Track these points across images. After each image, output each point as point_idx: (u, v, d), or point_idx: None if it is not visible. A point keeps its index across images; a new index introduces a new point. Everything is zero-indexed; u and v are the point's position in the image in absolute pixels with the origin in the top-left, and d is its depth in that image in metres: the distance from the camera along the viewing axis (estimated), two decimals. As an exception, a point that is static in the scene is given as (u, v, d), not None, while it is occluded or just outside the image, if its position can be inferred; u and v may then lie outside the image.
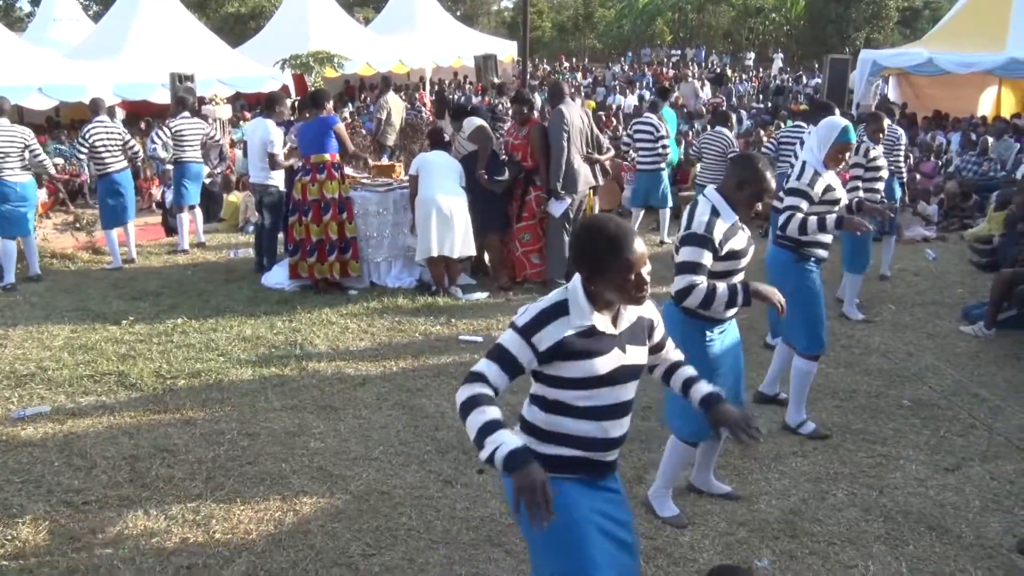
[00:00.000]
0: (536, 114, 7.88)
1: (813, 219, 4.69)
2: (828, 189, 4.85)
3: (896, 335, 6.80)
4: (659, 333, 2.80)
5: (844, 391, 5.63)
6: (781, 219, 4.82)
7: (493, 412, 2.38)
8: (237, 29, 36.35)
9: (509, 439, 2.32)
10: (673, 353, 2.92)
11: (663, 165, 9.90)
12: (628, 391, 2.62)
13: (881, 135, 6.96)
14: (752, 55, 41.69)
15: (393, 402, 5.47)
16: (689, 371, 2.91)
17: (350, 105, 22.00)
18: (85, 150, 9.01)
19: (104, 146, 8.99)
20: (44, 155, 8.80)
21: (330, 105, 8.21)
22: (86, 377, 5.95)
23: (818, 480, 4.45)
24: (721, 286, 3.68)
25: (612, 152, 8.43)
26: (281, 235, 8.65)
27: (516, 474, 2.26)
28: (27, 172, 8.41)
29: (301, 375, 5.94)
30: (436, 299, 7.58)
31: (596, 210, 8.66)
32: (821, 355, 5.03)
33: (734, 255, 3.74)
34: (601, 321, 2.53)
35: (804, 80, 29.10)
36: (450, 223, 7.47)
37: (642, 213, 10.36)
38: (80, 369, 6.09)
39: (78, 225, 10.83)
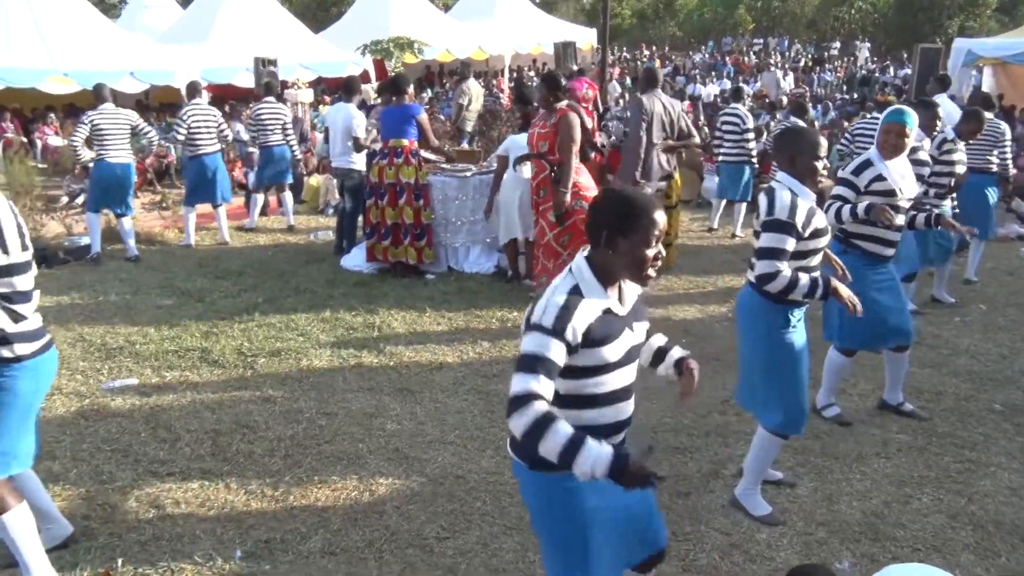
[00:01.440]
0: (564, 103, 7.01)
1: (846, 208, 4.55)
2: (877, 179, 4.59)
3: (987, 336, 6.56)
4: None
5: (930, 392, 5.45)
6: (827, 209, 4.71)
7: (564, 427, 2.25)
8: (319, 15, 36.86)
9: (597, 450, 2.23)
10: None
11: (747, 157, 9.72)
12: (635, 371, 2.57)
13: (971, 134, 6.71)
14: (837, 44, 40.57)
15: (469, 387, 5.49)
16: (659, 340, 2.84)
17: (429, 91, 22.13)
18: (183, 131, 9.24)
19: (200, 128, 9.21)
20: (152, 131, 9.10)
21: (411, 91, 8.24)
22: (171, 352, 6.12)
23: (902, 483, 4.32)
24: (804, 278, 3.60)
25: (695, 139, 8.27)
26: (360, 218, 8.76)
27: (626, 478, 2.22)
28: (129, 154, 8.70)
29: (379, 357, 6.01)
30: (513, 285, 7.57)
31: (678, 199, 8.50)
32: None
33: (817, 234, 3.66)
34: (613, 301, 2.47)
35: (892, 71, 28.22)
36: (522, 205, 7.43)
37: (722, 204, 10.20)
38: (165, 344, 6.27)
39: (165, 205, 11.14)
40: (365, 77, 18.97)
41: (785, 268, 3.58)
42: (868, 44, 38.81)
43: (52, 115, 17.01)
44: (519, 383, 2.29)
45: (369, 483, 4.29)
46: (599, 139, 9.94)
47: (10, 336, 3.15)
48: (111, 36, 16.26)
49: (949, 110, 12.34)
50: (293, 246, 9.65)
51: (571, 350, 2.34)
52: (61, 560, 3.56)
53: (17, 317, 3.12)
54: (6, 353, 3.16)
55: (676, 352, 2.81)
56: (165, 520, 3.97)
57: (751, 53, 37.20)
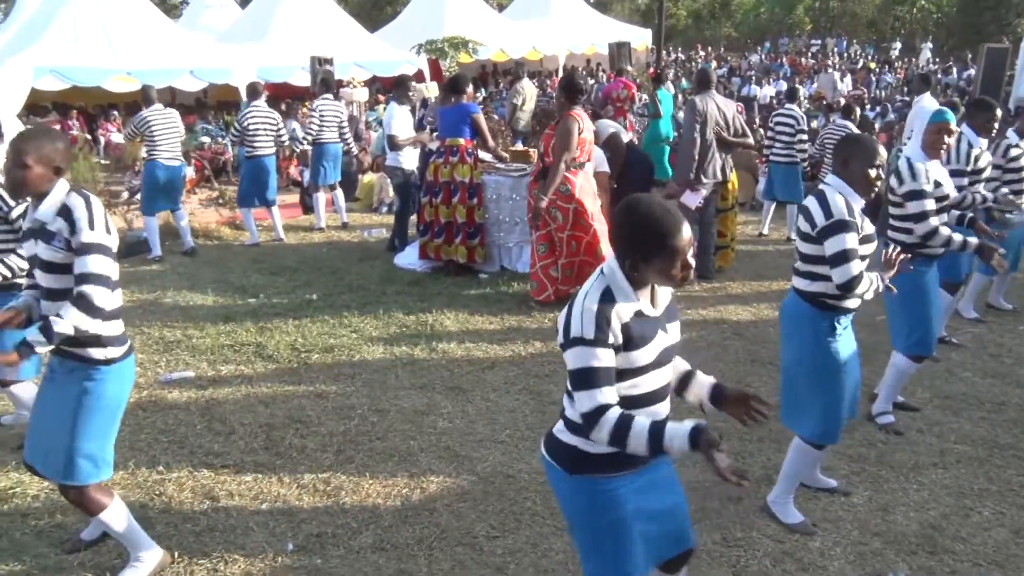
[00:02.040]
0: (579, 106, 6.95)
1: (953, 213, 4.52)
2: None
3: (1054, 345, 6.37)
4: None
5: (992, 403, 5.30)
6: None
7: (641, 422, 2.32)
8: (374, 14, 37.25)
9: (677, 428, 2.29)
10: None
11: (800, 159, 9.56)
12: (670, 372, 2.58)
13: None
14: (898, 45, 39.70)
15: (521, 387, 5.48)
16: (683, 364, 2.80)
17: (483, 91, 22.19)
18: (238, 132, 9.38)
19: (257, 130, 9.34)
20: (185, 136, 9.28)
21: (470, 90, 8.26)
22: (226, 346, 6.21)
23: (961, 495, 4.20)
24: (872, 276, 3.59)
25: (749, 139, 8.15)
26: (414, 216, 8.80)
27: (702, 445, 2.25)
28: (179, 155, 8.89)
29: (431, 355, 6.03)
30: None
31: (735, 201, 8.39)
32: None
33: (867, 240, 3.58)
34: (645, 303, 2.46)
35: (955, 72, 27.54)
36: None
37: (773, 206, 10.05)
38: (221, 339, 6.37)
39: (221, 201, 11.32)
40: (419, 76, 19.09)
41: (856, 269, 3.52)
42: (930, 44, 37.91)
43: (115, 113, 17.41)
44: (584, 401, 2.35)
45: (420, 480, 4.30)
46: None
47: (103, 338, 3.19)
48: (172, 36, 16.61)
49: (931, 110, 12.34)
50: (347, 244, 9.74)
51: (616, 350, 2.37)
52: (120, 547, 3.62)
53: (90, 306, 3.08)
54: (97, 355, 3.21)
55: (704, 379, 2.76)
56: (219, 511, 4.03)
57: (808, 54, 36.59)
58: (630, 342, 2.38)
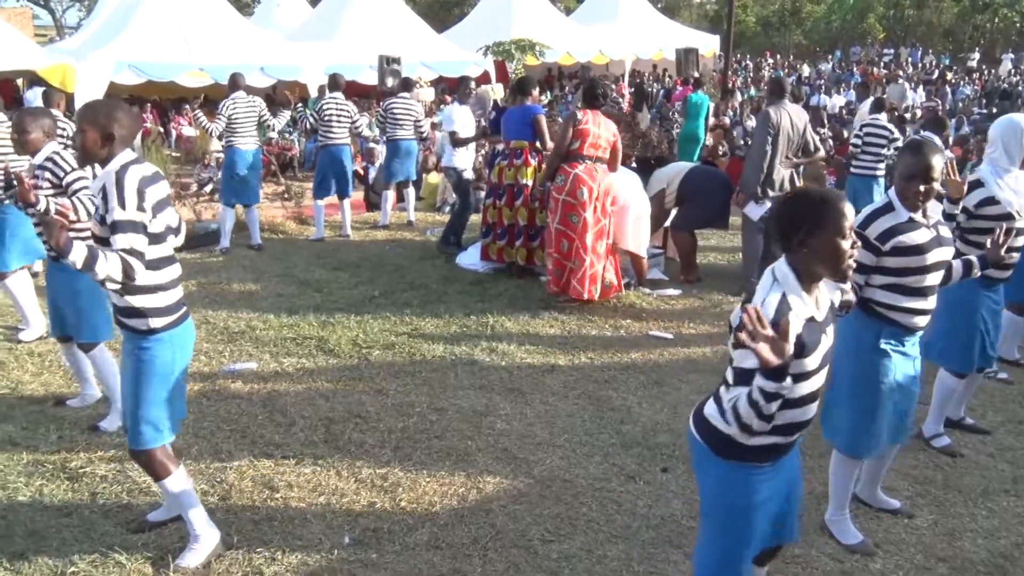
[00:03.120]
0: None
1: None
2: (988, 202, 4.45)
3: None
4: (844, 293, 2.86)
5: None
6: None
7: (740, 398, 2.45)
8: (441, 15, 37.51)
9: (756, 379, 2.38)
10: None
11: (881, 171, 9.31)
12: (825, 373, 2.64)
13: None
14: (976, 55, 38.63)
15: (580, 391, 5.45)
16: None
17: (548, 94, 22.18)
18: (313, 120, 9.48)
19: (332, 119, 9.45)
20: (275, 121, 9.41)
21: (535, 93, 8.26)
22: (289, 339, 6.29)
23: (1036, 525, 4.06)
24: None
25: (820, 153, 7.99)
26: (477, 217, 8.82)
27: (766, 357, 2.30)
28: (257, 141, 9.04)
29: (491, 356, 6.03)
30: (627, 292, 7.48)
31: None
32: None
33: (905, 251, 3.48)
34: (813, 307, 2.52)
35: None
36: (623, 216, 7.34)
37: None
38: (284, 331, 6.45)
39: (287, 196, 11.49)
40: (485, 78, 19.17)
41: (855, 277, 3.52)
42: (1011, 55, 36.79)
43: (187, 106, 17.79)
44: (733, 394, 2.48)
45: (477, 481, 4.30)
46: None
47: (145, 310, 3.31)
48: (244, 33, 16.93)
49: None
50: (410, 242, 9.80)
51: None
52: (181, 531, 3.69)
53: (131, 275, 3.17)
54: (140, 326, 3.33)
55: None
56: (278, 502, 4.07)
57: (881, 64, 35.84)
58: (802, 349, 2.47)
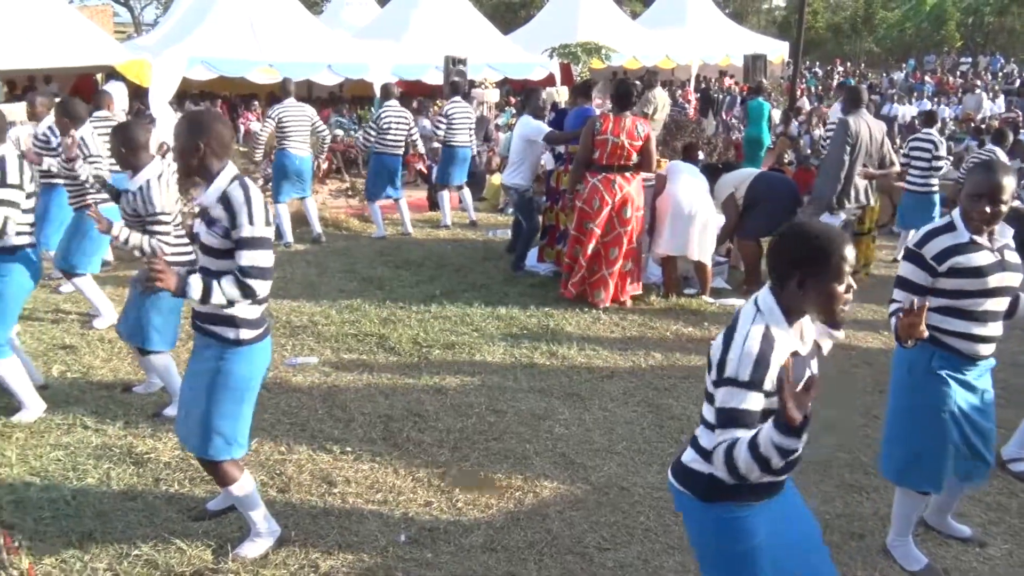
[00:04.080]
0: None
1: None
2: None
3: None
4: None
5: None
6: None
7: (741, 443, 2.29)
8: (507, 16, 37.60)
9: (764, 432, 2.22)
10: None
11: (935, 186, 9.06)
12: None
13: None
14: (1064, 64, 37.29)
15: (640, 399, 5.40)
16: None
17: (612, 97, 22.07)
18: (374, 132, 9.58)
19: (390, 128, 9.53)
20: (326, 129, 9.52)
21: (595, 95, 8.19)
22: (350, 335, 6.34)
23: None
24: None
25: (896, 168, 7.78)
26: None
27: (792, 411, 2.17)
28: (308, 147, 9.16)
29: (550, 360, 6.01)
30: (689, 300, 7.40)
31: (872, 225, 8.04)
32: None
33: (962, 273, 3.35)
34: (797, 341, 2.41)
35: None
36: (690, 223, 7.25)
37: (909, 234, 9.58)
38: (345, 327, 6.51)
39: (351, 193, 11.61)
40: (550, 80, 19.15)
41: (903, 299, 3.42)
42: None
43: (256, 102, 18.11)
44: (721, 439, 2.34)
45: (534, 484, 4.28)
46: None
47: (238, 320, 3.29)
48: (313, 31, 17.16)
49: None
50: (472, 242, 9.84)
51: (768, 395, 2.34)
52: (240, 520, 3.74)
53: (251, 294, 3.19)
54: (230, 335, 3.31)
55: None
56: (335, 497, 4.10)
57: (958, 72, 34.89)
58: (782, 387, 2.31)
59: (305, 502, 4.05)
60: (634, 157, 6.90)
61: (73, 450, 4.45)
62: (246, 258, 3.16)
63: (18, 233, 4.58)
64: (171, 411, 4.89)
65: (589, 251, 6.97)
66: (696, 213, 7.25)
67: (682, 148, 8.70)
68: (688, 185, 7.36)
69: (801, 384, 2.18)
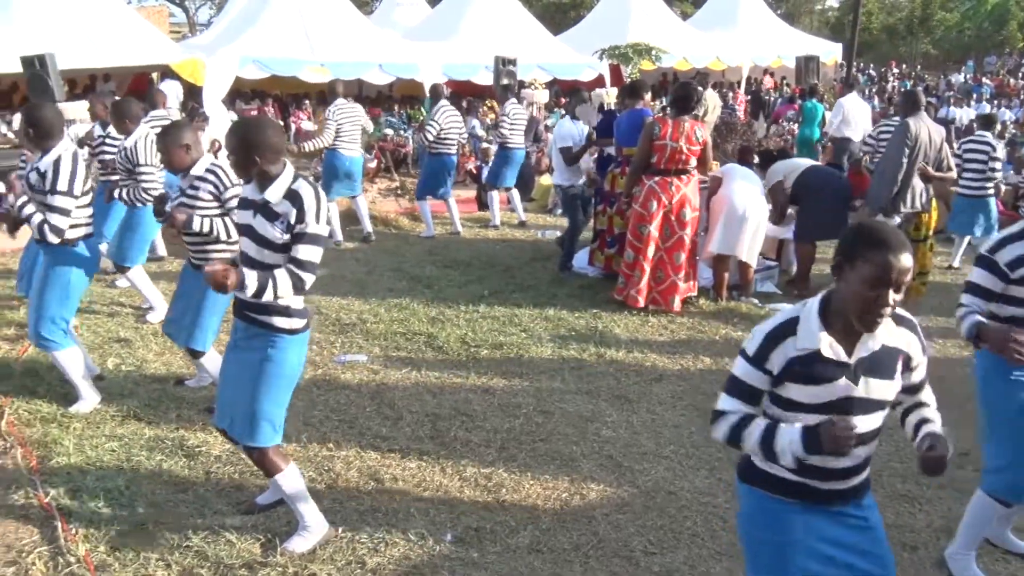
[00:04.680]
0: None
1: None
2: None
3: None
4: (918, 374, 2.53)
5: None
6: None
7: (757, 425, 2.41)
8: (557, 17, 37.51)
9: (788, 434, 2.33)
10: (924, 395, 2.65)
11: (991, 190, 8.84)
12: (858, 423, 2.35)
13: None
14: None
15: (688, 402, 5.35)
16: (927, 412, 2.62)
17: (662, 99, 21.93)
18: (434, 130, 9.60)
19: (447, 128, 9.56)
20: (371, 125, 9.60)
21: (648, 97, 8.14)
22: (399, 334, 6.38)
23: None
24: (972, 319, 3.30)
25: (952, 174, 7.60)
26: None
27: (826, 446, 2.26)
28: (359, 147, 9.22)
29: (598, 362, 5.98)
30: (739, 304, 7.32)
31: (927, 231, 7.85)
32: None
33: None
34: (828, 345, 2.32)
35: None
36: (743, 225, 7.17)
37: (966, 240, 9.36)
38: (394, 326, 6.55)
39: (400, 192, 11.68)
40: (600, 81, 19.08)
41: (971, 305, 3.35)
42: None
43: (307, 101, 18.31)
44: (720, 402, 2.51)
45: (580, 487, 4.26)
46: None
47: (291, 310, 3.41)
48: (364, 31, 17.30)
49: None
50: (520, 242, 9.84)
51: (775, 380, 2.40)
52: (289, 514, 3.77)
53: (301, 287, 3.35)
54: (283, 324, 3.41)
55: (930, 428, 2.58)
56: (383, 494, 4.12)
57: (1019, 74, 34.03)
58: (791, 374, 2.36)
59: (352, 498, 4.07)
60: (692, 162, 6.83)
61: (127, 441, 4.54)
62: (304, 252, 3.31)
63: (75, 226, 4.72)
64: (221, 405, 4.96)
65: (650, 257, 6.88)
66: (749, 215, 7.17)
67: (738, 152, 8.62)
68: (743, 187, 7.29)
69: (842, 427, 2.22)
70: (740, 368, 2.45)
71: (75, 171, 4.61)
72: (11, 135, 12.67)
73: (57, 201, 4.55)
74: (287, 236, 3.31)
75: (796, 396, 2.38)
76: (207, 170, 4.66)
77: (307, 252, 3.32)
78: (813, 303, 2.40)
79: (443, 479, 4.29)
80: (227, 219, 4.63)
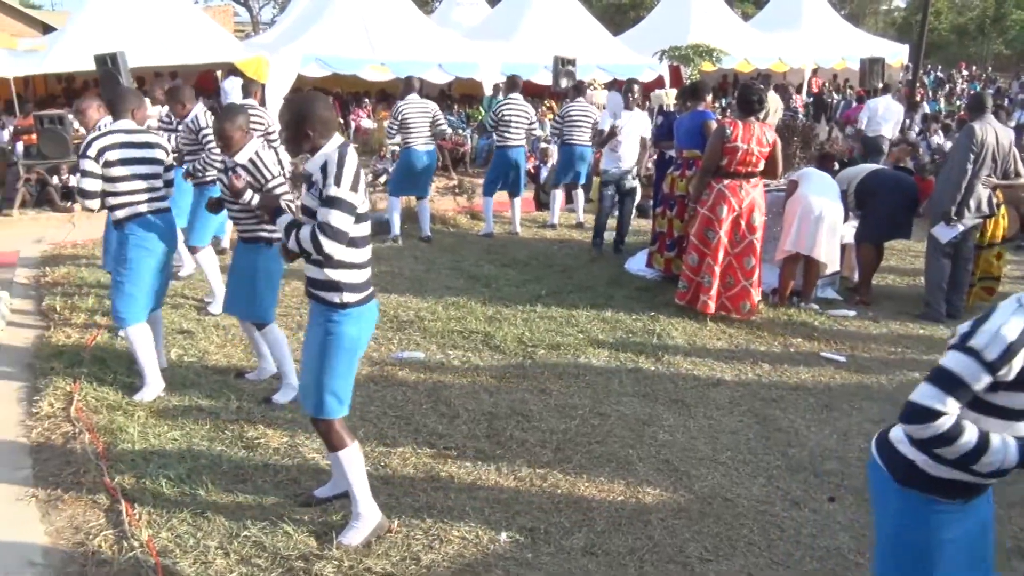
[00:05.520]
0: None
1: None
2: None
3: None
4: None
5: None
6: None
7: (969, 435, 2.30)
8: (617, 18, 37.38)
9: (1005, 450, 2.30)
10: None
11: None
12: None
13: None
14: None
15: (746, 408, 5.28)
16: None
17: (722, 100, 21.71)
18: (493, 122, 9.65)
19: (511, 121, 9.58)
20: (445, 124, 9.64)
21: (709, 99, 8.05)
22: (456, 332, 6.40)
23: None
24: None
25: (1022, 180, 7.38)
26: (643, 222, 8.69)
27: None
28: (431, 142, 9.26)
29: (655, 365, 5.93)
30: (799, 310, 7.20)
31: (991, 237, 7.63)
32: None
33: None
34: None
35: None
36: (819, 225, 7.04)
37: None
38: (452, 324, 6.57)
39: (459, 190, 11.73)
40: (659, 82, 18.96)
41: None
42: None
43: (366, 100, 18.50)
44: (929, 397, 2.31)
45: (636, 490, 4.23)
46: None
47: (341, 284, 3.48)
48: (424, 30, 17.42)
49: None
50: (578, 243, 9.79)
51: (993, 387, 2.30)
52: (345, 509, 3.81)
53: (320, 250, 3.37)
54: (334, 299, 3.49)
55: None
56: (438, 491, 4.14)
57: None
58: (1020, 384, 2.28)
59: (408, 494, 4.09)
60: (760, 165, 6.74)
61: (189, 431, 4.63)
62: (322, 214, 3.35)
63: (139, 201, 5.03)
64: (280, 397, 5.05)
65: (720, 262, 6.76)
66: (826, 216, 7.04)
67: (818, 157, 8.51)
68: (819, 188, 7.17)
69: None
70: (967, 368, 2.28)
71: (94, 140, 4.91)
72: (83, 130, 12.98)
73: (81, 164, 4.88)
74: (316, 200, 3.40)
75: (1006, 403, 2.32)
76: (249, 159, 4.85)
77: (324, 214, 3.33)
78: None
79: (498, 478, 4.29)
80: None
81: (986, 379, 2.27)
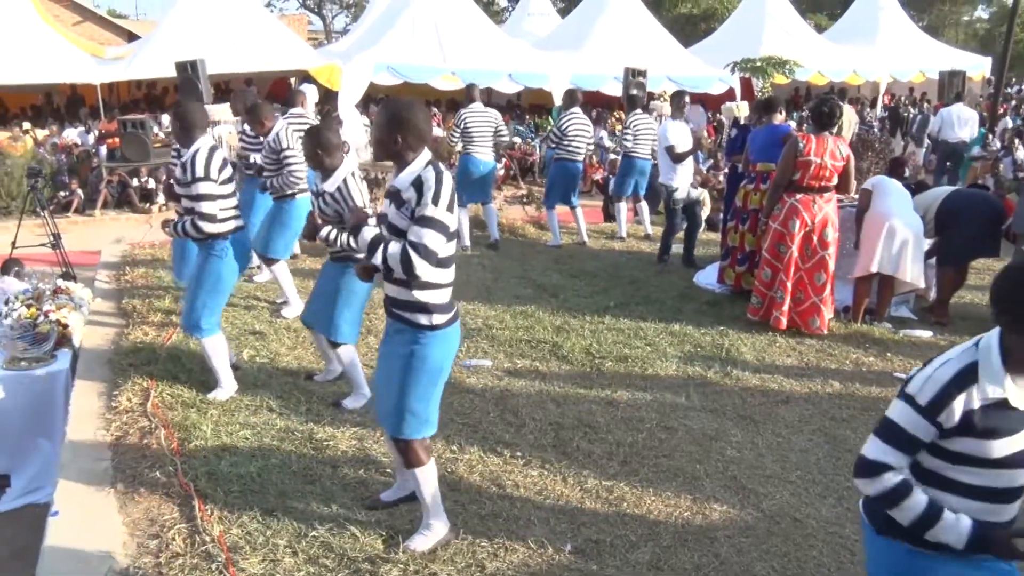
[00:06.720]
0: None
1: None
2: None
3: None
4: None
5: None
6: None
7: (918, 500, 2.26)
8: (687, 29, 37.04)
9: (957, 524, 2.21)
10: None
11: None
12: None
13: None
14: None
15: (815, 427, 5.18)
16: None
17: (795, 114, 21.39)
18: (557, 137, 9.69)
19: (575, 136, 9.60)
20: (506, 132, 9.70)
21: (783, 114, 7.96)
22: (523, 341, 6.41)
23: None
24: None
25: None
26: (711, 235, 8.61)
27: (996, 552, 2.18)
28: (492, 151, 9.32)
29: (724, 380, 5.86)
30: (871, 328, 7.03)
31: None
32: None
33: None
34: (1015, 393, 2.17)
35: None
36: (904, 247, 6.86)
37: None
38: (519, 333, 6.58)
39: (527, 200, 11.77)
40: (730, 95, 18.79)
41: None
42: None
43: (435, 109, 18.70)
44: (873, 449, 2.31)
45: (703, 506, 4.18)
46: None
47: (429, 306, 3.41)
48: (495, 40, 17.58)
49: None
50: (647, 255, 9.71)
51: (943, 433, 2.21)
52: (411, 513, 3.84)
53: (409, 270, 3.26)
54: (424, 320, 3.42)
55: None
56: (504, 499, 4.14)
57: None
58: (971, 430, 2.18)
59: (474, 502, 4.10)
60: (834, 179, 6.63)
61: (259, 430, 4.71)
62: (415, 233, 3.24)
63: (225, 219, 5.03)
64: (350, 402, 5.10)
65: (791, 277, 6.69)
66: (910, 235, 6.86)
67: (889, 163, 8.32)
68: (899, 204, 6.99)
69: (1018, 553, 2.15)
70: (903, 416, 2.25)
71: (211, 158, 4.92)
72: (163, 134, 13.43)
73: (199, 188, 4.88)
74: (411, 223, 3.29)
75: (968, 450, 2.22)
76: (337, 188, 4.87)
77: (417, 234, 3.23)
78: (988, 346, 2.23)
79: (564, 489, 4.28)
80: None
81: (926, 426, 2.20)
